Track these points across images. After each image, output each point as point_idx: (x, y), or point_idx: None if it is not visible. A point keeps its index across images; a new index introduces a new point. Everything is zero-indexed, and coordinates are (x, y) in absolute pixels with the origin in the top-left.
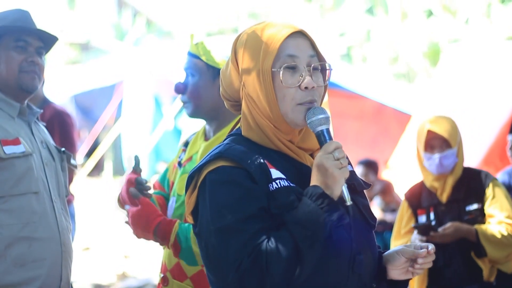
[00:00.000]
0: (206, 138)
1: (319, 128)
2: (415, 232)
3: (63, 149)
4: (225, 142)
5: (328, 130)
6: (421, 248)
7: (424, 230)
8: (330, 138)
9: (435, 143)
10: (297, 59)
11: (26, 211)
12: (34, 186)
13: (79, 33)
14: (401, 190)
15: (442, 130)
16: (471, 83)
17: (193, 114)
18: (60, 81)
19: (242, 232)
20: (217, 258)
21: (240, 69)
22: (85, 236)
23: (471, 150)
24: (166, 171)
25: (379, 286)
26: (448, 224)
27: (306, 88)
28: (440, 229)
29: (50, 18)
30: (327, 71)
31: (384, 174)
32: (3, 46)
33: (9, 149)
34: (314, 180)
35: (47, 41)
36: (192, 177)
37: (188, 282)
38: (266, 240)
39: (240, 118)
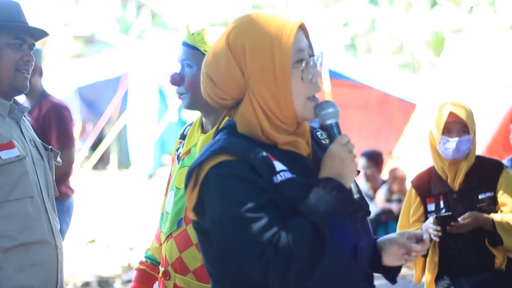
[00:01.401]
0: (204, 130)
1: (329, 122)
2: (430, 220)
3: (50, 146)
4: (223, 136)
5: (337, 123)
6: (415, 236)
7: (445, 221)
8: (339, 132)
9: (454, 126)
10: (304, 52)
11: (22, 216)
12: (30, 190)
13: (84, 26)
14: (407, 180)
15: (463, 114)
16: (474, 73)
17: (190, 106)
18: (65, 74)
19: (258, 220)
20: (234, 249)
21: (245, 68)
22: (90, 229)
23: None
24: (169, 173)
25: (374, 272)
26: (467, 214)
27: (316, 80)
28: (460, 219)
29: (54, 11)
30: (320, 59)
31: (389, 164)
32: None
33: (5, 154)
34: (328, 170)
35: (38, 36)
36: (191, 173)
37: (191, 276)
38: (284, 227)
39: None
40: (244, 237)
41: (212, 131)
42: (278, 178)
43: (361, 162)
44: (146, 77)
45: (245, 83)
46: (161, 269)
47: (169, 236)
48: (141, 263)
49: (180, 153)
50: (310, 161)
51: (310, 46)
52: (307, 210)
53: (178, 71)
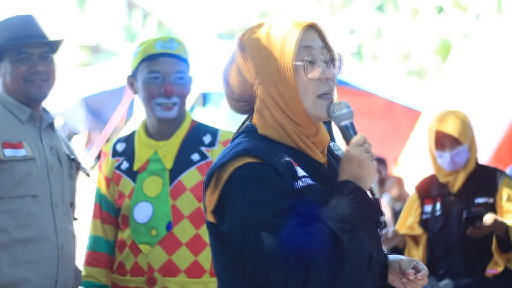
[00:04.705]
0: (158, 138)
1: (344, 123)
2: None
3: (73, 156)
4: (244, 139)
5: (352, 124)
6: (415, 267)
7: (473, 220)
8: (355, 132)
9: (445, 141)
10: (313, 50)
11: (22, 214)
12: (33, 190)
13: (89, 35)
14: (411, 187)
15: (450, 129)
16: (481, 79)
17: (178, 114)
18: (70, 84)
19: (282, 226)
20: (255, 254)
21: (254, 68)
22: None
23: (481, 146)
24: (99, 194)
25: (382, 285)
26: (489, 215)
27: (326, 79)
28: (484, 219)
29: (60, 20)
30: (337, 61)
31: (394, 171)
32: (7, 59)
33: (9, 152)
34: (346, 173)
35: (52, 43)
36: (211, 175)
37: (183, 276)
38: (305, 234)
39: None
40: (267, 243)
41: (177, 136)
42: (300, 183)
43: None
44: None
45: (255, 83)
46: (141, 278)
47: (154, 245)
48: None
49: (125, 168)
50: (327, 170)
51: (326, 47)
52: (325, 216)
53: (168, 83)
